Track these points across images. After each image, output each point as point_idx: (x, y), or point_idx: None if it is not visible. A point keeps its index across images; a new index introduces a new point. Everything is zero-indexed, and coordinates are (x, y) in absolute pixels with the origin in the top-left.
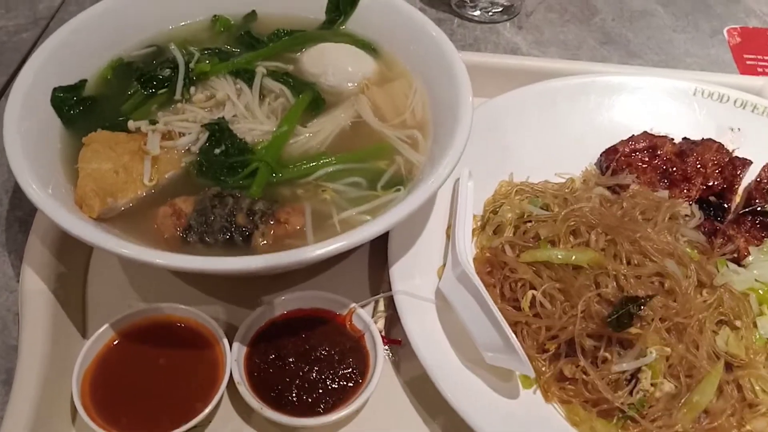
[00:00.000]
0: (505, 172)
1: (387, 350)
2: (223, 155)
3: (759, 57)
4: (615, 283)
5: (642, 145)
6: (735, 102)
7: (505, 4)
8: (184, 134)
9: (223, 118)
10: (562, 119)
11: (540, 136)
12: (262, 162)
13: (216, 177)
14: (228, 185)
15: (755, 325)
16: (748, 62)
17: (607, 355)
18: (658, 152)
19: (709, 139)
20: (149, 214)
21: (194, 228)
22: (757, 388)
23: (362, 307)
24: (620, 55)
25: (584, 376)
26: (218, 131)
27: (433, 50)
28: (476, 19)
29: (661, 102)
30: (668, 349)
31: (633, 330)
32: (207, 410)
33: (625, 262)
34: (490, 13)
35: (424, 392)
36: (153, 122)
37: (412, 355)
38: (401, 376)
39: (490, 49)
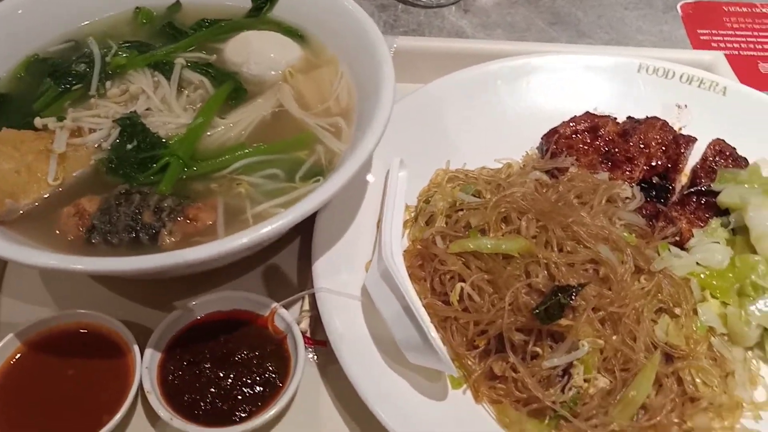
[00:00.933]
0: (442, 160)
1: (311, 352)
2: (134, 151)
3: (713, 31)
4: (546, 272)
5: (584, 125)
6: (681, 77)
7: None
8: (95, 130)
9: (135, 112)
10: (502, 103)
11: (479, 121)
12: (174, 156)
13: (126, 174)
14: (138, 182)
15: (696, 313)
16: (702, 37)
17: (537, 350)
18: (600, 132)
19: (654, 117)
20: (54, 215)
21: (98, 228)
22: (698, 380)
23: (286, 307)
24: (569, 35)
25: (514, 374)
26: (130, 126)
27: (359, 34)
28: (421, 3)
29: (605, 81)
30: (602, 342)
31: (563, 322)
32: (112, 423)
33: (556, 249)
34: None
35: (350, 396)
36: (61, 119)
37: (337, 358)
38: (326, 378)
39: (434, 33)
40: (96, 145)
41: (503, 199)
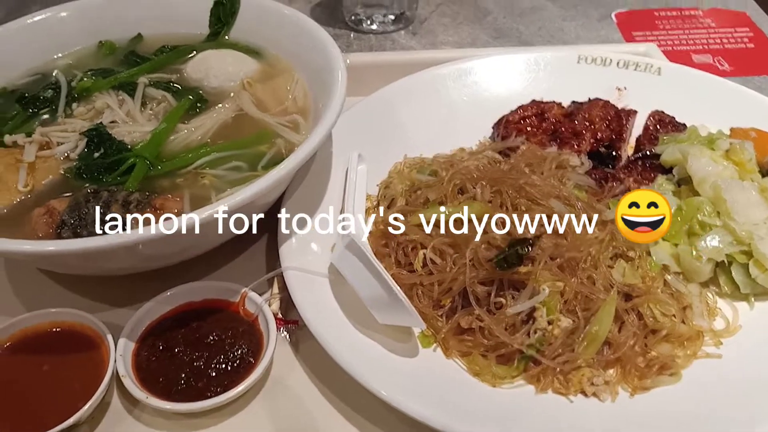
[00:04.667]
0: (399, 156)
1: (284, 332)
2: (101, 157)
3: (648, 33)
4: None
5: (531, 111)
6: (618, 63)
7: (397, 13)
8: (62, 143)
9: (101, 123)
10: (453, 101)
11: (432, 118)
12: (139, 158)
13: (93, 177)
14: (105, 183)
15: (649, 254)
16: (637, 39)
17: (501, 300)
18: (547, 116)
19: (596, 98)
20: (25, 218)
21: (67, 223)
22: (656, 312)
23: (257, 291)
24: (513, 46)
25: (480, 323)
26: (96, 136)
27: (311, 42)
28: (373, 32)
29: (547, 74)
30: (561, 284)
31: (522, 269)
32: (86, 406)
33: (511, 209)
34: (386, 23)
35: (324, 372)
36: (29, 134)
37: (310, 335)
38: (300, 356)
39: None
40: (64, 156)
41: (458, 173)
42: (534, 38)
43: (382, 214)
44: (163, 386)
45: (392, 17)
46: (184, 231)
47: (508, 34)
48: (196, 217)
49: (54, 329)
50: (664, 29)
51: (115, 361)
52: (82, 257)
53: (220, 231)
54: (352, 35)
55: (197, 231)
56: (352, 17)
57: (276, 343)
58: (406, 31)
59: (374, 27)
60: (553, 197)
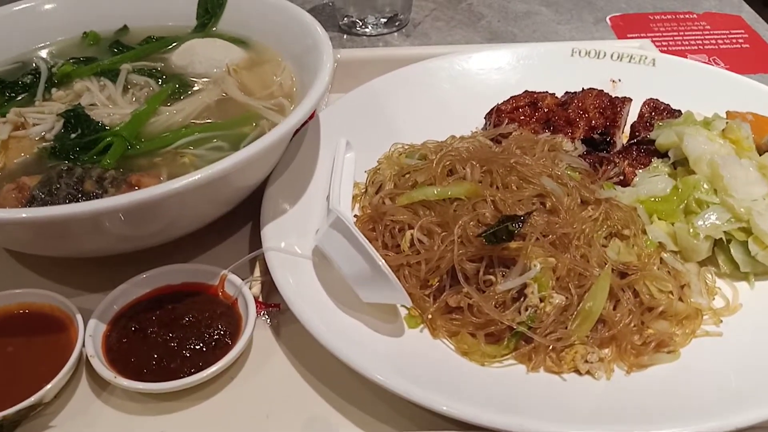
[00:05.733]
0: (389, 147)
1: (265, 316)
2: (78, 138)
3: (642, 34)
4: (493, 208)
5: (523, 101)
6: (612, 56)
7: (390, 15)
8: (39, 124)
9: (80, 104)
10: (444, 94)
11: (423, 110)
12: (117, 136)
13: (68, 156)
14: (81, 162)
15: (644, 233)
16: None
17: (491, 277)
18: (540, 105)
19: (590, 88)
20: None
21: (37, 198)
22: (653, 289)
23: (237, 274)
24: None
25: (469, 301)
26: (74, 117)
27: (298, 27)
28: (366, 34)
29: (540, 67)
30: (553, 260)
31: (513, 245)
32: (49, 386)
33: (502, 187)
34: (378, 25)
35: (305, 356)
36: (3, 114)
37: (292, 320)
38: (281, 341)
39: None
40: (39, 137)
41: (448, 154)
42: (529, 41)
43: (369, 198)
44: (134, 367)
45: (384, 20)
46: (154, 201)
47: (503, 36)
48: (166, 188)
49: (21, 311)
50: (659, 31)
51: (84, 342)
52: (48, 229)
53: (197, 208)
54: (345, 37)
55: (170, 205)
56: (345, 20)
57: (255, 326)
58: (400, 34)
59: (367, 30)
60: (545, 176)
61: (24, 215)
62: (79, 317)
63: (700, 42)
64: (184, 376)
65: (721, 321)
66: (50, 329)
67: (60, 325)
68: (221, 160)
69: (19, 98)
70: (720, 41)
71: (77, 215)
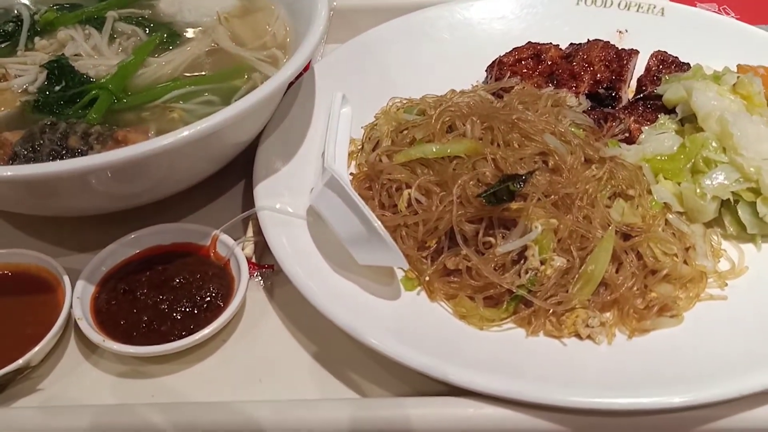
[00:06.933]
0: (386, 101)
1: (258, 277)
2: (62, 91)
3: None
4: (494, 167)
5: (527, 53)
6: (619, 5)
7: None
8: (21, 76)
9: (64, 55)
10: (444, 43)
11: (422, 61)
12: (103, 89)
13: (52, 110)
14: (65, 116)
15: (650, 193)
16: None
17: (490, 239)
18: (543, 57)
19: (596, 39)
20: None
21: (20, 154)
22: (657, 251)
23: (234, 238)
24: None
25: (468, 264)
26: (57, 68)
27: None
28: None
29: (545, 17)
30: (555, 221)
31: (513, 206)
32: (36, 349)
33: (503, 145)
34: None
35: (299, 318)
36: None
37: (286, 281)
38: (275, 302)
39: None
40: (21, 90)
41: (447, 109)
42: None
43: (365, 155)
44: (124, 330)
45: None
46: (142, 158)
47: None
48: (154, 144)
49: (5, 272)
50: None
51: (71, 304)
52: (34, 186)
53: (188, 165)
54: None
55: (159, 162)
56: None
57: (248, 287)
58: None
59: None
60: (548, 133)
61: (8, 173)
62: (66, 278)
63: None
64: (174, 339)
65: (726, 284)
66: (36, 290)
67: (46, 286)
68: (212, 116)
69: (0, 47)
70: None
71: (63, 173)
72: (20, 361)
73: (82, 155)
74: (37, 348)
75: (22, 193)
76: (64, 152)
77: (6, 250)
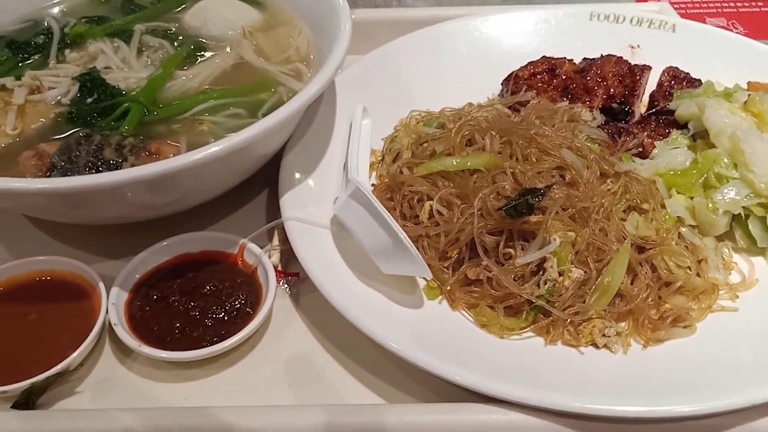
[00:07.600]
0: (405, 113)
1: (284, 284)
2: (94, 102)
3: None
4: (513, 180)
5: (541, 67)
6: (632, 20)
7: None
8: (54, 88)
9: (95, 68)
10: (461, 57)
11: (440, 75)
12: (134, 102)
13: (86, 122)
14: (99, 128)
15: (664, 207)
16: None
17: (510, 251)
18: (558, 72)
19: (609, 54)
20: (13, 162)
21: (57, 166)
22: (671, 264)
23: (260, 246)
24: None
25: (488, 274)
26: (89, 81)
27: None
28: None
29: (558, 31)
30: (573, 234)
31: (533, 218)
32: (75, 353)
33: (522, 159)
34: None
35: (324, 325)
36: (18, 78)
37: (311, 288)
38: (300, 309)
39: None
40: (55, 101)
41: (467, 123)
42: (546, 2)
43: (386, 167)
44: (157, 335)
45: None
46: (175, 172)
47: None
48: (188, 159)
49: (43, 278)
50: None
51: (107, 310)
52: (72, 198)
53: (216, 177)
54: None
55: (190, 175)
56: None
57: (275, 295)
58: None
59: None
60: (564, 148)
61: (48, 185)
62: (101, 285)
63: (719, 4)
64: (207, 345)
65: (737, 296)
66: (72, 296)
67: (82, 292)
68: (243, 130)
69: (33, 60)
70: (739, 3)
71: (102, 186)
72: (60, 366)
73: (117, 167)
74: (76, 352)
75: (58, 202)
76: (99, 164)
77: (44, 257)
